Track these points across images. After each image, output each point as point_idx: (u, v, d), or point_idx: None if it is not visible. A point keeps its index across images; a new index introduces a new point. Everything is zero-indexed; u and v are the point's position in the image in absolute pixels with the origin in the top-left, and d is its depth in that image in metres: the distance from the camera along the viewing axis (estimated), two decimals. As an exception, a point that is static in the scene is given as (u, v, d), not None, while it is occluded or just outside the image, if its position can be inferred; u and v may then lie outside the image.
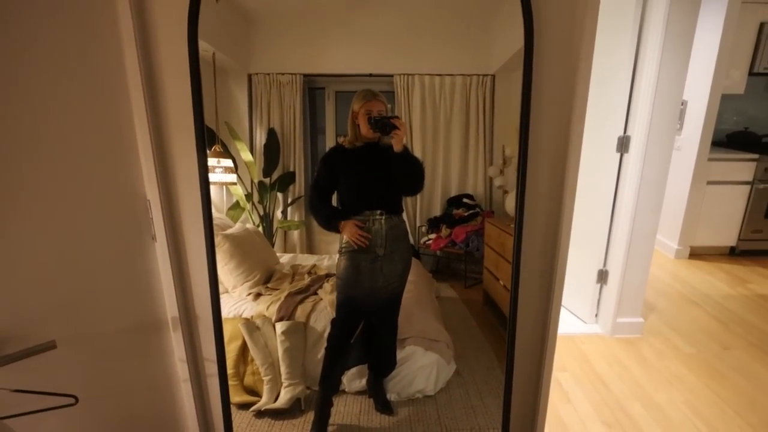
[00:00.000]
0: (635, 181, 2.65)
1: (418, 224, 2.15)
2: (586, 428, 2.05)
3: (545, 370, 1.48)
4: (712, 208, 4.29)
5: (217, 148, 1.88)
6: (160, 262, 1.28)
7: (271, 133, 2.01)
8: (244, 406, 1.76)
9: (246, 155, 1.99)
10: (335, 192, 1.72)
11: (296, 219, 2.15)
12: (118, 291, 1.17)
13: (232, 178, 1.95)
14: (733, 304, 3.39)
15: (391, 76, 1.94)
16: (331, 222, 1.71)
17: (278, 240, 2.15)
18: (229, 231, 1.92)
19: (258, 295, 1.86)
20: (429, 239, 2.19)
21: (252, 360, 1.78)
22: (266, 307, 1.80)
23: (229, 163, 1.91)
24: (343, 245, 1.70)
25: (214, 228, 1.89)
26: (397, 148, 1.53)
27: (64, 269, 0.97)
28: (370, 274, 1.70)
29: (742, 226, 4.37)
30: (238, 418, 1.74)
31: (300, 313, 1.80)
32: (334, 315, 1.79)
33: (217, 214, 2.04)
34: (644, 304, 3.02)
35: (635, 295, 2.87)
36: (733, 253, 4.50)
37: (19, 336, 0.84)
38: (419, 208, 2.14)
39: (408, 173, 1.63)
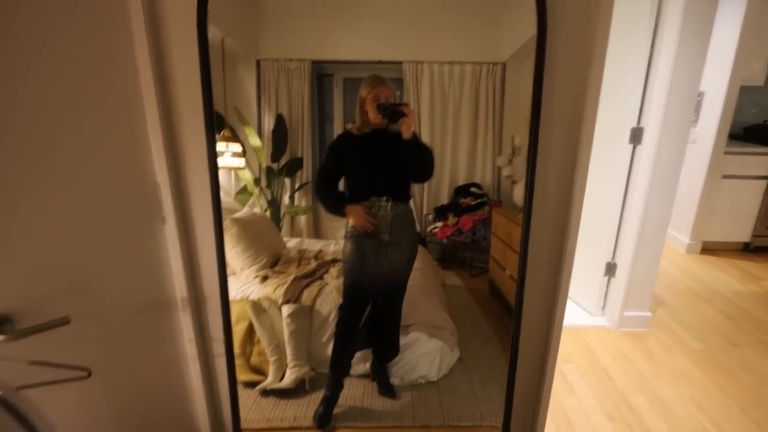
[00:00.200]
0: (647, 173, 2.61)
1: (425, 212, 2.15)
2: (590, 420, 2.05)
3: (549, 360, 1.48)
4: (726, 202, 4.20)
5: (225, 133, 1.89)
6: (170, 244, 1.30)
7: (280, 119, 2.02)
8: (251, 385, 1.80)
9: (254, 140, 2.00)
10: (342, 178, 1.72)
11: (303, 204, 2.16)
12: (129, 271, 1.19)
13: (241, 162, 1.96)
14: (744, 301, 3.34)
15: (401, 63, 1.94)
16: (337, 206, 1.71)
17: (285, 225, 2.17)
18: (237, 215, 1.94)
19: (265, 278, 1.89)
20: (436, 227, 2.19)
21: (258, 341, 1.82)
22: (273, 290, 1.83)
23: (237, 148, 1.92)
24: (349, 230, 1.70)
25: (222, 212, 1.92)
26: (406, 135, 1.52)
27: (77, 248, 0.99)
28: (375, 259, 1.70)
29: (757, 222, 4.27)
30: (245, 396, 1.79)
31: (306, 297, 1.82)
32: (340, 300, 1.80)
33: (226, 198, 2.06)
34: (653, 298, 2.99)
35: (644, 289, 2.84)
36: (747, 249, 4.42)
37: (34, 311, 0.85)
38: (426, 196, 2.15)
39: (418, 160, 1.62)
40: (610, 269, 2.90)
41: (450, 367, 1.90)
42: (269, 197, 2.12)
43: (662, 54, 2.47)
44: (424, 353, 1.83)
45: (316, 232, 2.20)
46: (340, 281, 1.81)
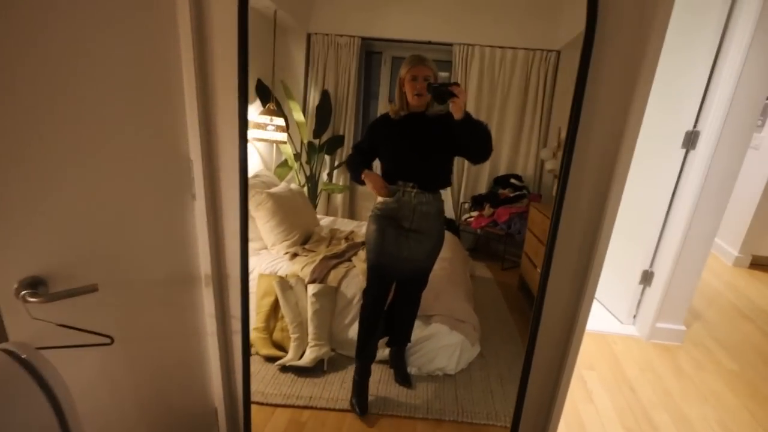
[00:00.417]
0: (698, 179, 2.47)
1: (461, 200, 2.12)
2: (606, 431, 2.02)
3: (567, 364, 1.44)
4: (784, 216, 3.96)
5: (271, 106, 1.91)
6: (198, 221, 1.32)
7: (325, 95, 2.02)
8: (271, 359, 1.86)
9: (298, 115, 2.01)
10: (376, 158, 1.70)
11: (341, 183, 2.18)
12: (158, 245, 1.22)
13: (283, 136, 1.98)
14: (790, 323, 3.17)
15: (451, 45, 1.89)
16: (357, 171, 1.70)
17: (321, 202, 2.20)
18: (274, 190, 1.97)
19: (294, 255, 1.93)
20: (471, 216, 2.16)
21: (282, 317, 1.87)
22: (301, 267, 1.87)
23: (281, 122, 1.94)
24: (374, 209, 1.69)
25: (260, 186, 1.96)
26: (457, 116, 1.46)
27: (110, 219, 1.02)
28: (396, 244, 1.69)
29: (815, 240, 4.02)
30: (264, 370, 1.84)
31: (332, 278, 1.85)
32: (365, 284, 1.82)
33: (265, 172, 2.09)
34: (690, 311, 2.88)
35: (681, 301, 2.73)
36: (801, 269, 4.18)
37: (65, 276, 0.90)
38: (464, 184, 2.12)
39: (475, 139, 1.55)
40: (647, 277, 2.79)
41: (469, 362, 1.90)
42: (308, 173, 2.14)
43: (731, 52, 2.30)
44: (444, 345, 1.84)
45: (351, 212, 2.22)
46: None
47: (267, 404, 1.72)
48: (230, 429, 1.58)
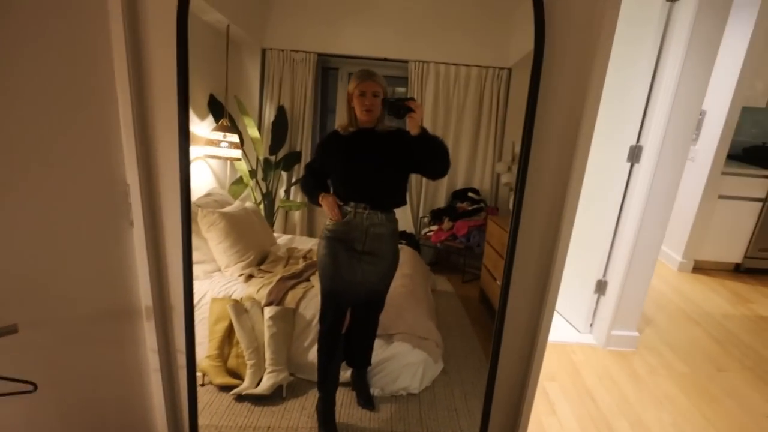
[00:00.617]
0: (643, 193, 2.59)
1: (420, 214, 2.12)
2: (569, 441, 2.04)
3: (531, 377, 1.44)
4: (720, 222, 4.21)
5: (224, 122, 1.85)
6: (137, 249, 1.23)
7: (281, 111, 1.98)
8: (226, 389, 1.75)
9: (253, 131, 1.95)
10: (328, 178, 1.66)
11: (299, 200, 2.12)
12: (90, 277, 1.13)
13: (237, 153, 1.92)
14: (733, 324, 3.34)
15: (407, 62, 1.90)
16: (313, 194, 1.67)
17: (279, 219, 2.13)
18: (227, 209, 1.90)
19: (250, 277, 1.84)
20: (430, 231, 2.16)
21: (237, 343, 1.77)
22: (257, 290, 1.79)
23: (235, 138, 1.88)
24: (324, 229, 1.65)
25: (213, 205, 1.88)
26: (414, 131, 1.43)
27: (32, 251, 0.93)
28: (349, 267, 1.64)
29: (749, 244, 4.29)
30: (218, 400, 1.73)
31: (290, 299, 1.78)
32: (320, 310, 1.75)
33: (218, 190, 2.01)
34: (642, 317, 2.99)
35: (633, 308, 2.83)
36: (738, 270, 4.44)
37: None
38: (423, 199, 2.11)
39: (432, 155, 1.52)
40: (601, 287, 2.88)
41: (433, 379, 1.87)
42: (264, 190, 2.08)
43: (666, 73, 2.45)
44: (407, 364, 1.80)
45: (310, 230, 2.17)
46: (325, 285, 1.77)
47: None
48: (179, 470, 1.48)
